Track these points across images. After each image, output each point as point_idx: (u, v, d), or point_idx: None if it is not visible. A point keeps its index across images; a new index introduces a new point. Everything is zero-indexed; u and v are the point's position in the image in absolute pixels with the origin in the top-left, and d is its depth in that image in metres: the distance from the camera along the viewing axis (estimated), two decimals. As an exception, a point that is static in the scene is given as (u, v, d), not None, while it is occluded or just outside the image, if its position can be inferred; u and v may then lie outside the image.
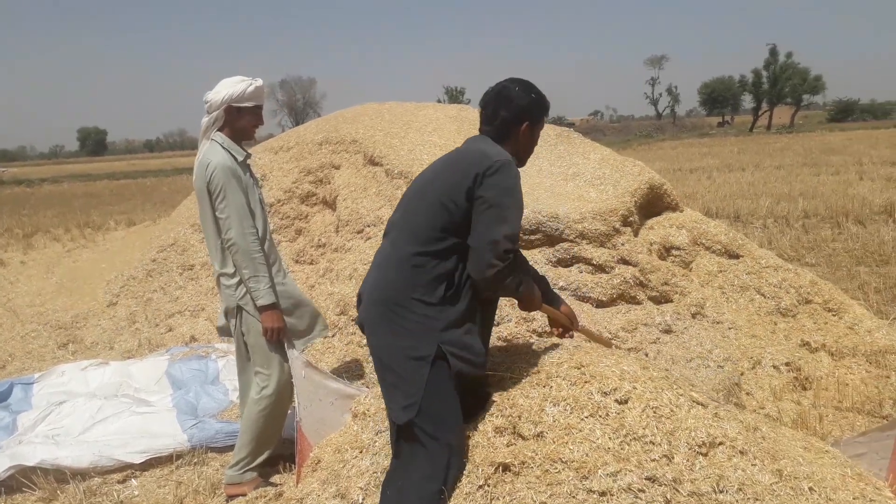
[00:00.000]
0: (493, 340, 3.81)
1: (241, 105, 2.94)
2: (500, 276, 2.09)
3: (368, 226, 5.36)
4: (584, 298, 4.21)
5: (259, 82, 2.99)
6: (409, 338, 2.15)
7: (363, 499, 2.46)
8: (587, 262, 4.38)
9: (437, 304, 2.15)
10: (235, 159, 2.93)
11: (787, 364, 3.98)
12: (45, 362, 5.00)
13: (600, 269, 4.36)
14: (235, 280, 2.94)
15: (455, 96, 66.27)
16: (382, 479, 2.34)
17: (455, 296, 2.17)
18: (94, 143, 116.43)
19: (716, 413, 2.22)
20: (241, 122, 2.97)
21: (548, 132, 7.00)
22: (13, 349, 5.31)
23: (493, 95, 2.34)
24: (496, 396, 2.40)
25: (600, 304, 4.22)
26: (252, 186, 3.01)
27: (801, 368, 3.92)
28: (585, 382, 2.28)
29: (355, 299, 2.42)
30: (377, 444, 2.63)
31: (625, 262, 4.42)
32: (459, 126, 6.96)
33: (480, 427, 2.34)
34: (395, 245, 2.26)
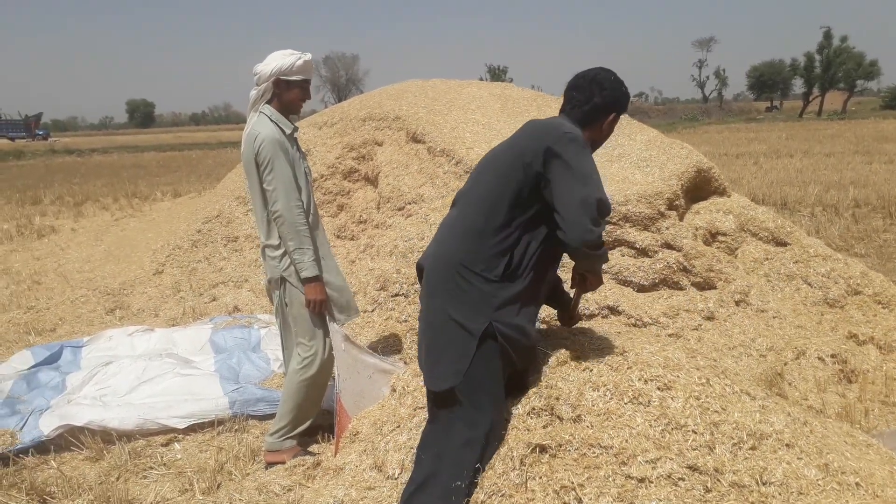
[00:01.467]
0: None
1: (290, 78, 2.95)
2: (599, 241, 2.07)
3: (409, 203, 5.36)
4: (625, 282, 4.16)
5: (308, 56, 2.99)
6: (464, 308, 2.15)
7: (399, 473, 2.49)
8: (630, 245, 4.32)
9: (497, 280, 2.14)
10: (283, 132, 2.95)
11: (832, 356, 3.87)
12: (94, 327, 5.15)
13: (643, 252, 4.30)
14: (280, 252, 2.97)
15: (498, 75, 65.63)
16: None
17: (514, 274, 2.16)
18: (142, 115, 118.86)
19: (763, 405, 2.18)
20: (288, 95, 2.99)
21: (592, 113, 6.87)
22: (63, 313, 5.48)
23: (588, 81, 2.33)
24: (534, 378, 2.39)
25: (642, 289, 4.17)
26: (298, 160, 3.03)
27: (847, 361, 3.82)
28: (628, 368, 2.25)
29: (415, 269, 2.45)
30: (415, 419, 2.66)
31: (669, 246, 4.34)
32: (503, 104, 6.89)
33: (516, 408, 2.33)
34: (463, 215, 2.27)
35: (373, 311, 4.37)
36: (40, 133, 63.68)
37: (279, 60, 2.93)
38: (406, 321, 4.11)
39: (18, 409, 3.56)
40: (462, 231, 2.22)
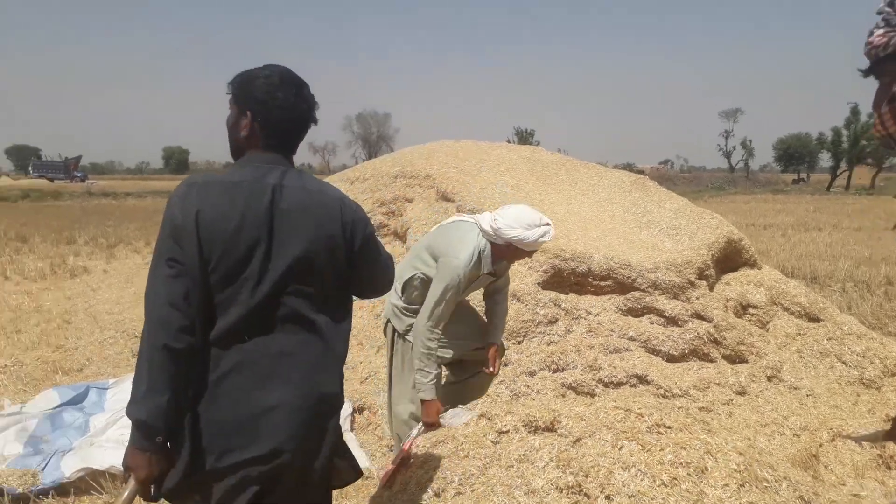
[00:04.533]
0: (557, 388, 3.75)
1: (524, 248, 2.90)
2: None
3: (437, 260, 5.39)
4: (654, 351, 4.10)
5: (548, 233, 2.97)
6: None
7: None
8: (659, 313, 4.28)
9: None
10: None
11: (869, 439, 3.75)
12: (120, 369, 5.18)
13: (672, 321, 4.25)
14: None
15: (525, 138, 66.59)
16: None
17: None
18: (177, 162, 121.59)
19: (802, 496, 2.10)
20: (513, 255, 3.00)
21: (622, 178, 6.96)
22: (91, 354, 5.52)
23: (296, 87, 1.76)
24: (562, 453, 2.34)
25: (671, 359, 4.11)
26: None
27: (885, 445, 3.68)
28: (661, 449, 2.19)
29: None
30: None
31: (699, 316, 4.30)
32: (532, 167, 6.99)
33: (543, 484, 2.28)
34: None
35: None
36: (78, 175, 65.66)
37: (520, 232, 2.80)
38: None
39: (41, 448, 3.56)
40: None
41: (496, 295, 3.18)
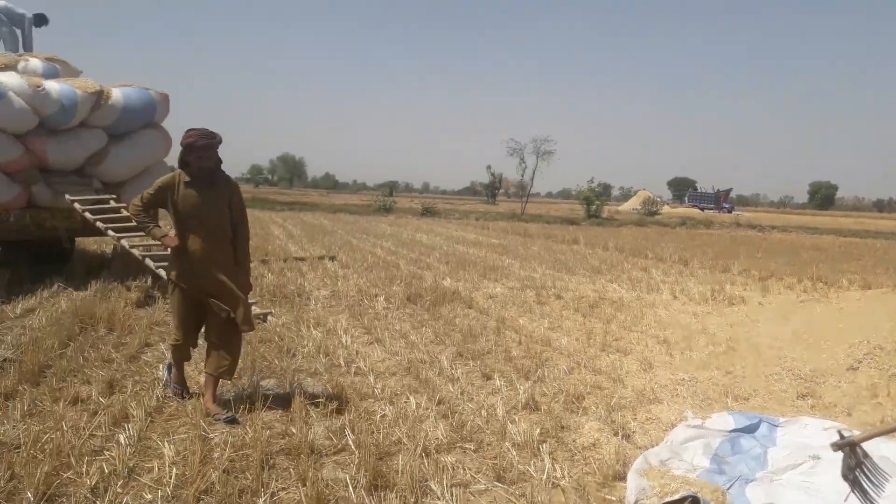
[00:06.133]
0: None
1: None
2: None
3: None
4: None
5: None
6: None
7: None
8: None
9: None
10: None
11: None
12: (785, 407, 5.15)
13: None
14: None
15: None
16: None
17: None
18: (822, 197, 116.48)
19: None
20: None
21: None
22: (756, 385, 5.67)
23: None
24: None
25: None
26: None
27: None
28: None
29: None
30: None
31: None
32: None
33: None
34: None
35: None
36: (726, 206, 69.67)
37: None
38: None
39: (724, 469, 3.82)
40: None
41: None
